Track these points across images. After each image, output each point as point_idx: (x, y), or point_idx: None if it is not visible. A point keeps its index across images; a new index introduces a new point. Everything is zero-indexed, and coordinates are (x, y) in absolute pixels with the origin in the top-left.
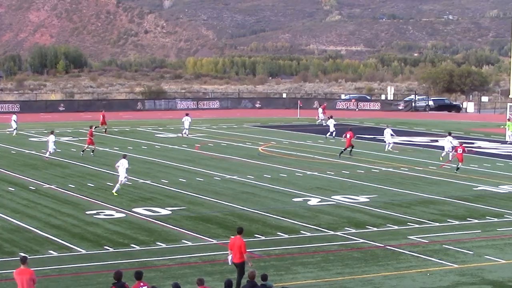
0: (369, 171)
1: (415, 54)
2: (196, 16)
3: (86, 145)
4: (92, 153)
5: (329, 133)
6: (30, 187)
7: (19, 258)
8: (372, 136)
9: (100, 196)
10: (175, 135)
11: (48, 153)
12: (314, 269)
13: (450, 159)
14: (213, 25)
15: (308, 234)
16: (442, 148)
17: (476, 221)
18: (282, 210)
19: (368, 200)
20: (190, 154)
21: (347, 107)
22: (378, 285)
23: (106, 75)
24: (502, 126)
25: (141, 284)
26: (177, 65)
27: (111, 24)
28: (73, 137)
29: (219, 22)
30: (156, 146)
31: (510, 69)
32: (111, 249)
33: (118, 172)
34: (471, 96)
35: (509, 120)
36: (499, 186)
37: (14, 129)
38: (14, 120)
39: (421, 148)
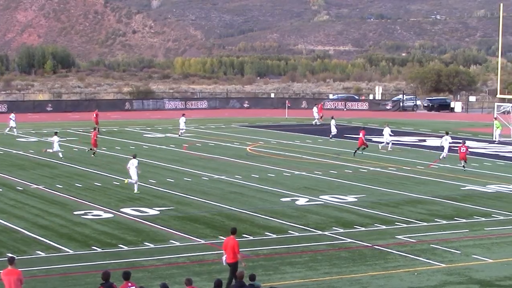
0: (357, 171)
1: (403, 54)
2: (184, 16)
3: (94, 148)
4: (93, 155)
5: (332, 134)
6: (18, 188)
7: (6, 258)
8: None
9: (88, 196)
10: (163, 135)
11: (59, 153)
12: (302, 268)
13: (443, 157)
14: (201, 25)
15: (296, 234)
16: (440, 148)
17: (464, 220)
18: (270, 210)
19: (356, 199)
20: (178, 154)
21: (335, 107)
22: (366, 284)
23: (94, 75)
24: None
25: (129, 284)
26: (165, 65)
27: (99, 24)
28: (61, 138)
29: (207, 22)
30: (144, 146)
31: (497, 69)
32: (99, 250)
33: (129, 173)
34: (458, 95)
35: (496, 119)
36: (486, 186)
37: (14, 127)
38: (13, 119)
39: (409, 147)
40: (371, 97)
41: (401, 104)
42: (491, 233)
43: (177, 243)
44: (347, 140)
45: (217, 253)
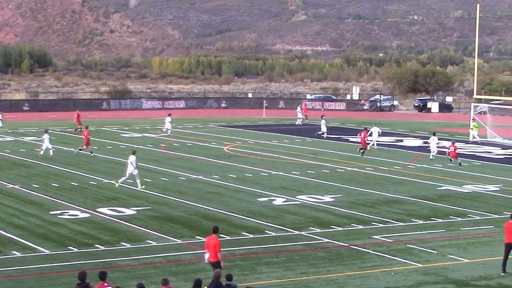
0: (334, 171)
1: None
2: (162, 15)
3: (85, 146)
4: (91, 154)
5: (320, 132)
6: None
7: None
8: (337, 136)
9: (65, 196)
10: (140, 135)
11: (49, 151)
12: (279, 268)
13: (433, 154)
14: (179, 25)
15: (273, 234)
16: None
17: (440, 220)
18: (247, 210)
19: (333, 199)
20: (155, 154)
21: (313, 107)
22: (343, 284)
23: (71, 75)
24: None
25: (105, 284)
26: (143, 64)
27: (76, 23)
28: (38, 137)
29: (185, 21)
30: (121, 146)
31: (474, 69)
32: (75, 250)
33: (129, 170)
34: (435, 96)
35: (473, 120)
36: (462, 186)
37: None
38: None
39: (386, 148)
40: (348, 97)
41: (378, 104)
42: (467, 233)
43: (154, 243)
44: (324, 140)
45: (194, 253)
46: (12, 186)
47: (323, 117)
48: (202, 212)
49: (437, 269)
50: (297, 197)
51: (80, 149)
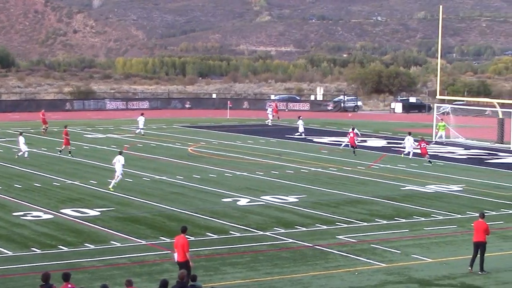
0: (298, 171)
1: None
2: (125, 16)
3: (63, 146)
4: (69, 154)
5: (298, 133)
6: None
7: None
8: (302, 137)
9: (28, 197)
10: (104, 136)
11: (24, 153)
12: (243, 269)
13: (405, 153)
14: (143, 25)
15: (238, 234)
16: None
17: (404, 220)
18: (211, 211)
19: (297, 200)
20: None
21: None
22: (307, 284)
23: (34, 75)
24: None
25: (69, 285)
26: (107, 65)
27: (39, 23)
28: (0, 138)
29: (149, 22)
30: (85, 147)
31: (437, 70)
32: (38, 251)
33: (115, 169)
34: (399, 96)
35: (442, 120)
36: (426, 186)
37: None
38: None
39: (350, 148)
40: (312, 97)
41: (342, 104)
42: (431, 233)
43: (118, 244)
44: (288, 140)
45: (158, 254)
46: None
47: (300, 118)
48: (166, 212)
49: (400, 268)
50: (261, 197)
51: (68, 151)
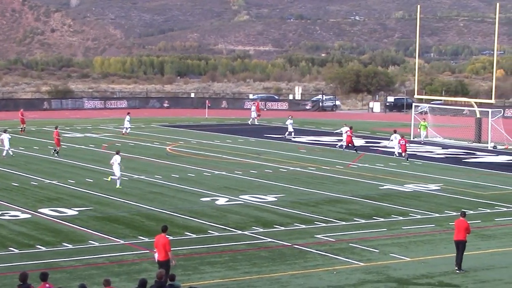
0: (277, 171)
1: (323, 55)
2: (103, 15)
3: (58, 147)
4: (56, 154)
5: (287, 133)
6: None
7: None
8: (281, 136)
9: (5, 197)
10: (82, 135)
11: (6, 152)
12: (222, 268)
13: (396, 154)
14: (121, 24)
15: (216, 233)
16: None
17: (382, 219)
18: (189, 210)
19: (275, 199)
20: (97, 154)
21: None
22: (286, 284)
23: (11, 74)
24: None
25: (47, 285)
26: (84, 64)
27: (16, 22)
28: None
29: (127, 21)
30: (63, 146)
31: (415, 69)
32: (16, 251)
33: (112, 169)
34: (377, 96)
35: (424, 120)
36: (404, 185)
37: None
38: None
39: (328, 147)
40: (290, 97)
41: (320, 104)
42: (409, 232)
43: (96, 244)
44: (267, 140)
45: (136, 253)
46: None
47: (290, 117)
48: (144, 212)
49: (379, 267)
50: (240, 197)
51: (55, 150)
